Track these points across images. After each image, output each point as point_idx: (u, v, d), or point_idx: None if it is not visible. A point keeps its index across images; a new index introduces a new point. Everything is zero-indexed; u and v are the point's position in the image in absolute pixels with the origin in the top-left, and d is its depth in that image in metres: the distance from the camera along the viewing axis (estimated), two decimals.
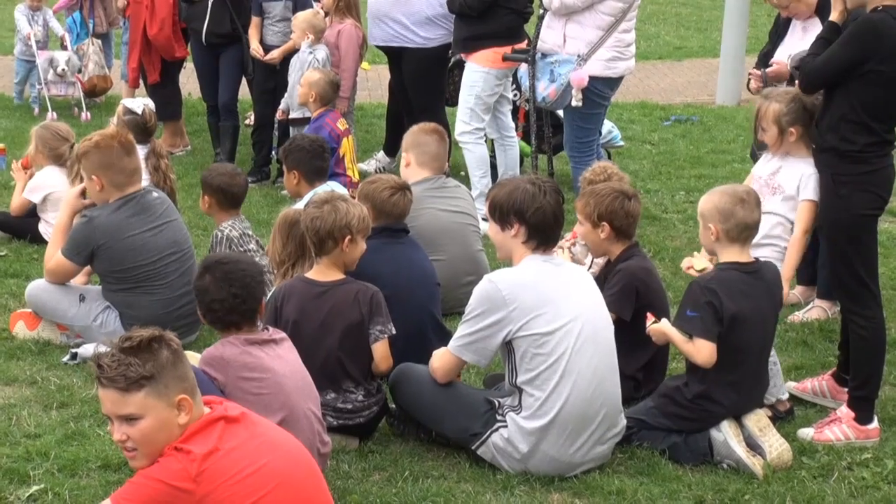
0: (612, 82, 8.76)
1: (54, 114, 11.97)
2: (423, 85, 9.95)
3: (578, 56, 8.52)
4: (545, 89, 8.70)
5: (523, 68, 9.02)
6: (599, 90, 8.65)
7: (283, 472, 4.02)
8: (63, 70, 12.38)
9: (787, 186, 6.29)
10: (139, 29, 10.90)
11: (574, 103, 8.55)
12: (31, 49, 12.63)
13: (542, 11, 8.73)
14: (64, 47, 12.84)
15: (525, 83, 9.03)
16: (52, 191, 8.44)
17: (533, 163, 9.55)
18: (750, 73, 7.70)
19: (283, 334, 5.25)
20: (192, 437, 3.93)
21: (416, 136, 7.71)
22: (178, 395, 3.96)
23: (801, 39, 7.41)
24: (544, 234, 5.51)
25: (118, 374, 3.90)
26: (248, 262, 5.31)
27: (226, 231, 7.16)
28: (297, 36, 10.04)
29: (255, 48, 10.32)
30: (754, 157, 8.11)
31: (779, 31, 7.80)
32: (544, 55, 8.73)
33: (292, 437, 4.33)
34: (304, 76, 9.57)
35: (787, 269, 6.17)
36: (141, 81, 11.38)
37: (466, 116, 9.27)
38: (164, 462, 3.91)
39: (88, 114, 12.34)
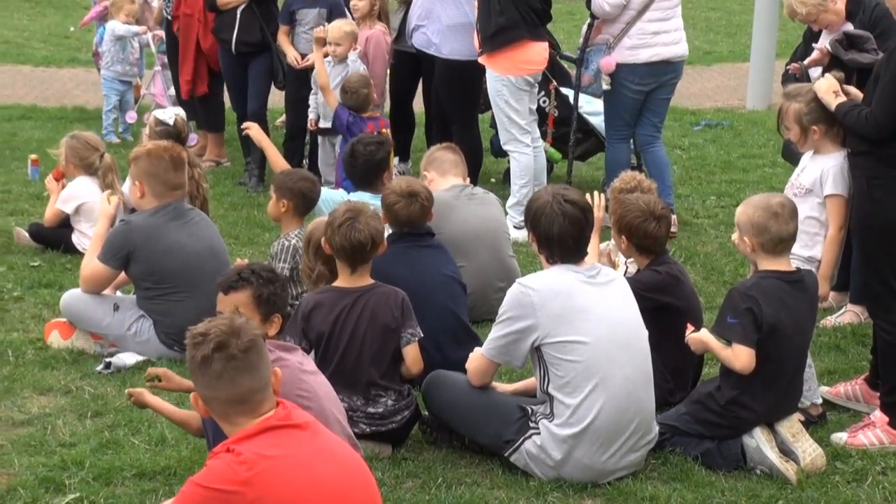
0: (638, 69, 9.10)
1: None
2: (453, 96, 9.88)
3: (606, 45, 9.09)
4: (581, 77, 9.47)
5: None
6: (623, 76, 9.10)
7: (339, 485, 4.01)
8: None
9: (807, 183, 6.27)
10: (191, 41, 10.91)
11: (604, 87, 9.19)
12: (133, 69, 12.09)
13: (590, 20, 9.22)
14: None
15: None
16: (84, 201, 8.49)
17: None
18: (789, 67, 7.74)
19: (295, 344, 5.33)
20: (246, 439, 3.95)
21: (431, 154, 7.91)
22: (194, 393, 4.12)
23: None
24: (551, 248, 5.53)
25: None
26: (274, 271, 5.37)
27: (293, 241, 7.17)
28: (345, 47, 9.86)
29: (294, 56, 10.27)
30: (786, 158, 8.09)
31: (814, 38, 7.78)
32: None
33: (354, 453, 4.32)
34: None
35: (825, 267, 6.18)
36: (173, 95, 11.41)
37: (505, 125, 9.39)
38: (210, 465, 3.95)
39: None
